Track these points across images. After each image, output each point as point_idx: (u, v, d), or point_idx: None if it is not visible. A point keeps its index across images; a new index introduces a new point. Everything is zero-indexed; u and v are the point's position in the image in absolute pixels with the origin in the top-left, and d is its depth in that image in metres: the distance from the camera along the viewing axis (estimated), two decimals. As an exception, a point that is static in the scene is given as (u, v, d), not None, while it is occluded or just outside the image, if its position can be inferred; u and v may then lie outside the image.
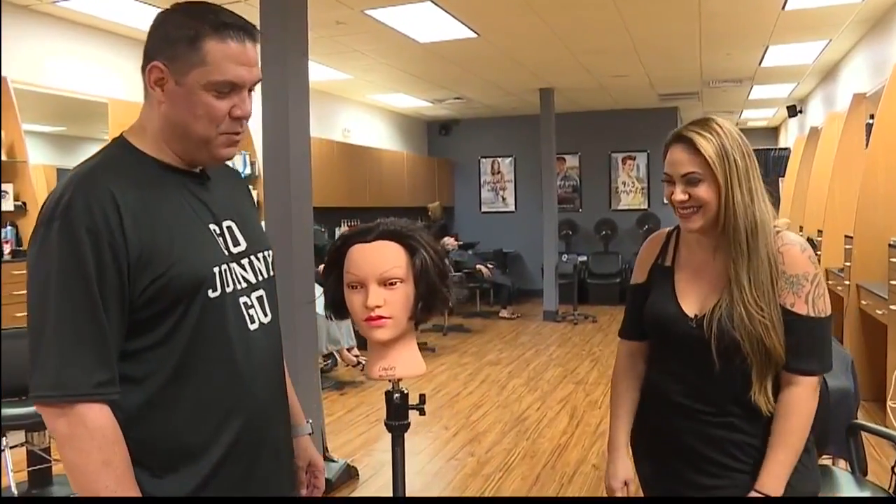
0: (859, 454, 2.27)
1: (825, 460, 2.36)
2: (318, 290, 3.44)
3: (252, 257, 1.27)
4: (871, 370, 4.57)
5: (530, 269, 10.94)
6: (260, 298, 1.26)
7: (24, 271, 1.12)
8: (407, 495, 1.37)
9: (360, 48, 6.44)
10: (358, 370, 5.94)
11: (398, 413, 1.34)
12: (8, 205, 4.50)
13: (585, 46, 6.59)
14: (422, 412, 1.35)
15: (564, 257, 9.58)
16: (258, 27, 1.20)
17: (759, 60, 7.26)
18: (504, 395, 5.43)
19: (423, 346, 6.97)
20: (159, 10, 1.18)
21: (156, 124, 1.18)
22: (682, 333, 1.48)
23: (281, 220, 3.39)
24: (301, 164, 3.45)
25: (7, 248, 4.46)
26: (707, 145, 1.41)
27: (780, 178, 9.92)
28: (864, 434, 2.29)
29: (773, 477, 1.41)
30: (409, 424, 1.35)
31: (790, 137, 11.14)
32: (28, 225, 4.55)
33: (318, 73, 7.10)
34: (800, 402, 1.42)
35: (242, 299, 1.22)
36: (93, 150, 1.20)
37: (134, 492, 1.08)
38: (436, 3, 5.11)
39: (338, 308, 1.34)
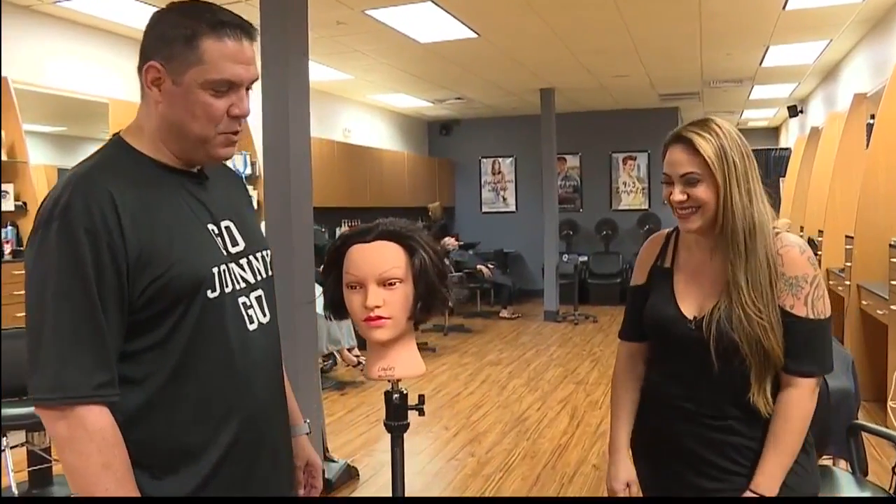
0: (860, 454, 2.27)
1: (825, 461, 2.36)
2: (319, 290, 3.44)
3: (251, 257, 1.27)
4: (872, 370, 4.57)
5: (531, 269, 10.94)
6: (259, 298, 1.26)
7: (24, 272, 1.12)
8: (407, 495, 1.37)
9: (361, 48, 6.44)
10: (358, 370, 5.93)
11: (397, 413, 1.34)
12: (8, 205, 4.51)
13: (586, 46, 6.59)
14: (421, 412, 1.35)
15: (565, 257, 9.57)
16: (258, 27, 1.19)
17: (759, 60, 7.25)
18: (504, 396, 5.42)
19: (423, 346, 6.98)
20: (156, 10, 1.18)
21: (153, 124, 1.18)
22: (681, 335, 1.48)
23: (281, 220, 3.39)
24: (301, 164, 3.45)
25: (7, 248, 4.47)
26: (706, 146, 1.41)
27: (780, 179, 9.92)
28: (864, 434, 2.28)
29: (768, 477, 1.41)
30: (408, 425, 1.35)
31: (791, 137, 11.14)
32: (28, 225, 4.50)
33: (319, 73, 7.09)
34: (797, 403, 1.42)
35: (241, 299, 1.22)
36: (93, 150, 1.20)
37: (134, 494, 1.08)
38: (436, 3, 5.11)
39: (337, 308, 1.34)
